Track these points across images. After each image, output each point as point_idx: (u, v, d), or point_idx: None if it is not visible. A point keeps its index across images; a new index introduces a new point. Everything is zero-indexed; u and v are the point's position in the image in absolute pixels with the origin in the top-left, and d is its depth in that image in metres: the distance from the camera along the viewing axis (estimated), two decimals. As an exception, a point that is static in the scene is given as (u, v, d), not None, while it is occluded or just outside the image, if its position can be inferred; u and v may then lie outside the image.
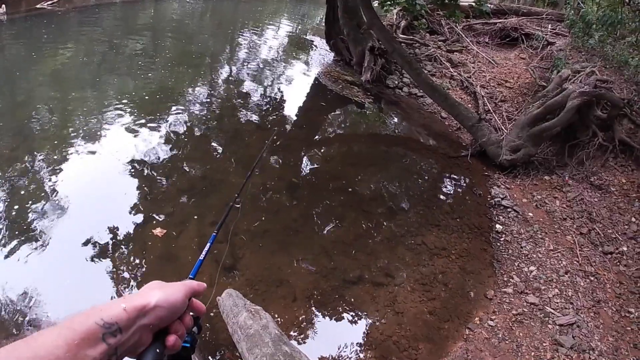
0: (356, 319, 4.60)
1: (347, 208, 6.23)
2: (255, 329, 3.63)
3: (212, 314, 4.16)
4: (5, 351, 0.64)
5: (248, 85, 10.01)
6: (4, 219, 5.10)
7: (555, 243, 5.87)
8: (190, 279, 1.03)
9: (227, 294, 4.03)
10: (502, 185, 7.11)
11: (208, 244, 1.28)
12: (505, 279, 5.28)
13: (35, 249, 4.76)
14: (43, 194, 5.57)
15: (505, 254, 5.69)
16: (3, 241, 4.79)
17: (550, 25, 12.48)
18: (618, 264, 5.56)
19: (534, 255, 5.64)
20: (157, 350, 0.84)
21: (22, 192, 5.56)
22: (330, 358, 4.20)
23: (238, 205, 1.73)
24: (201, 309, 0.95)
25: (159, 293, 0.85)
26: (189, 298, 0.91)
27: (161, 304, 0.83)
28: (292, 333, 4.27)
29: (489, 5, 12.44)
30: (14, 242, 4.79)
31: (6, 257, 4.61)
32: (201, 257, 1.20)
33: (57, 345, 0.67)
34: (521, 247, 5.78)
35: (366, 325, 4.54)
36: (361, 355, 4.25)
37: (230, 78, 10.44)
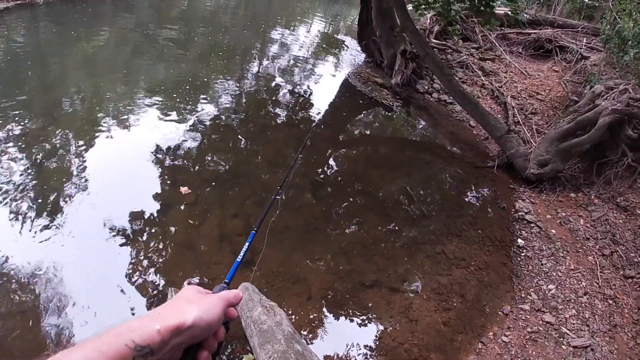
0: (369, 322, 4.60)
1: (369, 210, 6.23)
2: (269, 325, 3.65)
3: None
4: None
5: (277, 81, 10.05)
6: (30, 196, 5.21)
7: (577, 263, 5.79)
8: (226, 283, 0.97)
9: (243, 287, 4.06)
10: (527, 200, 7.02)
11: (247, 244, 1.18)
12: (523, 295, 5.23)
13: (57, 227, 4.86)
14: (67, 174, 5.67)
15: (525, 269, 5.63)
16: (28, 218, 4.90)
17: (585, 38, 12.27)
18: (638, 289, 5.46)
19: (554, 274, 5.57)
20: None
21: (49, 171, 5.67)
22: None
23: (279, 197, 1.63)
24: (233, 315, 0.90)
25: (196, 311, 0.79)
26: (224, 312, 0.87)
27: (197, 324, 0.78)
28: (303, 331, 4.29)
29: (525, 15, 12.28)
30: (38, 220, 4.90)
31: (29, 234, 4.72)
32: (238, 258, 1.11)
33: None
34: (541, 264, 5.71)
35: (378, 330, 4.54)
36: (371, 360, 4.26)
37: (260, 73, 10.49)
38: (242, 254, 1.13)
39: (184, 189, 5.71)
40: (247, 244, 1.18)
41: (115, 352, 0.68)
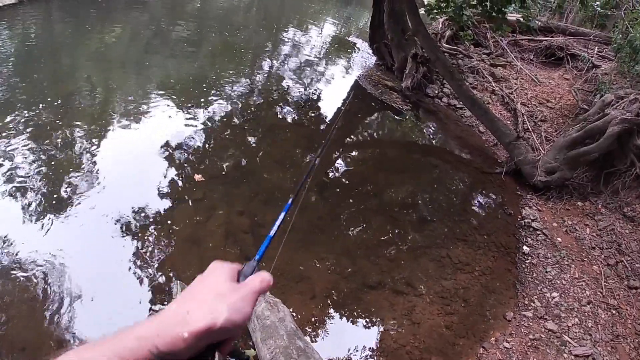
0: (372, 323, 4.63)
1: (375, 212, 6.25)
2: (272, 321, 3.70)
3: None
4: None
5: (287, 82, 10.07)
6: (39, 187, 5.27)
7: (581, 271, 5.78)
8: (257, 261, 0.88)
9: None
10: (534, 207, 7.01)
11: (282, 214, 1.02)
12: (527, 302, 5.23)
13: (65, 219, 4.93)
14: (77, 166, 5.73)
15: (530, 276, 5.63)
16: (36, 209, 4.97)
17: (597, 47, 12.20)
18: (642, 300, 5.45)
19: (558, 282, 5.56)
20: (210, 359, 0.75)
21: (58, 162, 5.74)
22: (342, 359, 4.24)
23: (317, 163, 1.42)
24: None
25: (226, 311, 0.71)
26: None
27: (228, 325, 0.71)
28: (306, 329, 4.32)
29: (537, 21, 12.25)
30: (46, 211, 4.96)
31: (37, 224, 4.78)
32: (271, 232, 0.97)
33: None
34: (546, 272, 5.71)
35: (381, 331, 4.56)
36: (372, 360, 4.29)
37: (270, 73, 10.52)
38: (275, 227, 0.98)
39: (197, 176, 5.88)
40: (282, 213, 1.03)
41: (138, 357, 0.63)
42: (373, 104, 9.73)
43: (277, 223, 0.99)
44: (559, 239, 6.34)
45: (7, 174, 5.33)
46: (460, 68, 11.27)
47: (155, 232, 4.99)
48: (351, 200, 6.37)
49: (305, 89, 9.87)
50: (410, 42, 10.24)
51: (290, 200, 1.10)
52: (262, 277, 0.81)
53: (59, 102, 6.99)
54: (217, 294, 0.74)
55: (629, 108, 7.45)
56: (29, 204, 5.00)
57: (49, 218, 4.88)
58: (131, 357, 0.62)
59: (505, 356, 4.50)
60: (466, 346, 4.58)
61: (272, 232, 0.97)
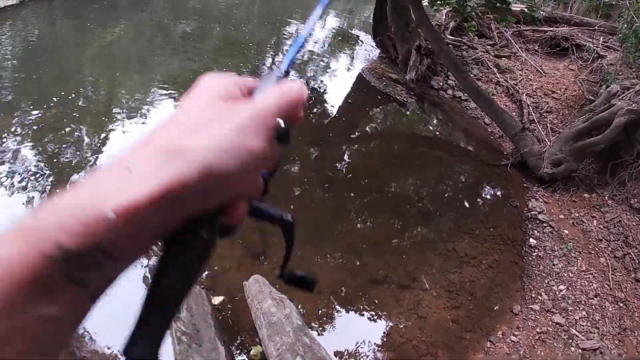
0: (378, 318, 4.63)
1: (380, 207, 6.23)
2: (278, 317, 3.69)
3: (236, 298, 4.25)
4: None
5: (291, 76, 10.02)
6: (45, 186, 5.28)
7: (588, 264, 5.75)
8: (283, 72, 0.58)
9: (254, 280, 4.10)
10: (540, 199, 6.96)
11: (318, 8, 0.68)
12: (533, 295, 5.20)
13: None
14: (81, 164, 5.75)
15: (536, 269, 5.60)
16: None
17: (602, 37, 12.08)
18: (649, 292, 5.43)
19: (565, 274, 5.53)
20: (204, 236, 0.41)
21: (64, 161, 5.75)
22: (348, 354, 4.24)
23: None
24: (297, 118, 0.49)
25: (207, 149, 0.38)
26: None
27: (214, 177, 0.38)
28: (312, 325, 4.32)
29: (541, 12, 12.14)
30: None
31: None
32: (304, 32, 0.64)
33: None
34: (553, 265, 5.68)
35: (387, 326, 4.56)
36: (379, 356, 4.29)
37: (274, 67, 10.48)
38: (309, 25, 0.66)
39: None
40: (319, 8, 0.68)
41: (22, 267, 0.31)
42: (378, 97, 9.69)
43: (313, 18, 0.67)
44: (566, 232, 6.31)
45: (11, 172, 5.34)
46: (464, 59, 11.19)
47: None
48: (356, 195, 6.36)
49: (308, 83, 9.83)
50: (414, 34, 10.17)
51: None
52: (285, 88, 0.49)
53: (63, 100, 7.00)
54: (196, 123, 0.41)
55: (635, 99, 7.39)
56: (32, 203, 5.01)
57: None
58: (7, 269, 0.31)
59: (512, 350, 4.49)
60: (473, 340, 4.57)
61: (304, 32, 0.65)
